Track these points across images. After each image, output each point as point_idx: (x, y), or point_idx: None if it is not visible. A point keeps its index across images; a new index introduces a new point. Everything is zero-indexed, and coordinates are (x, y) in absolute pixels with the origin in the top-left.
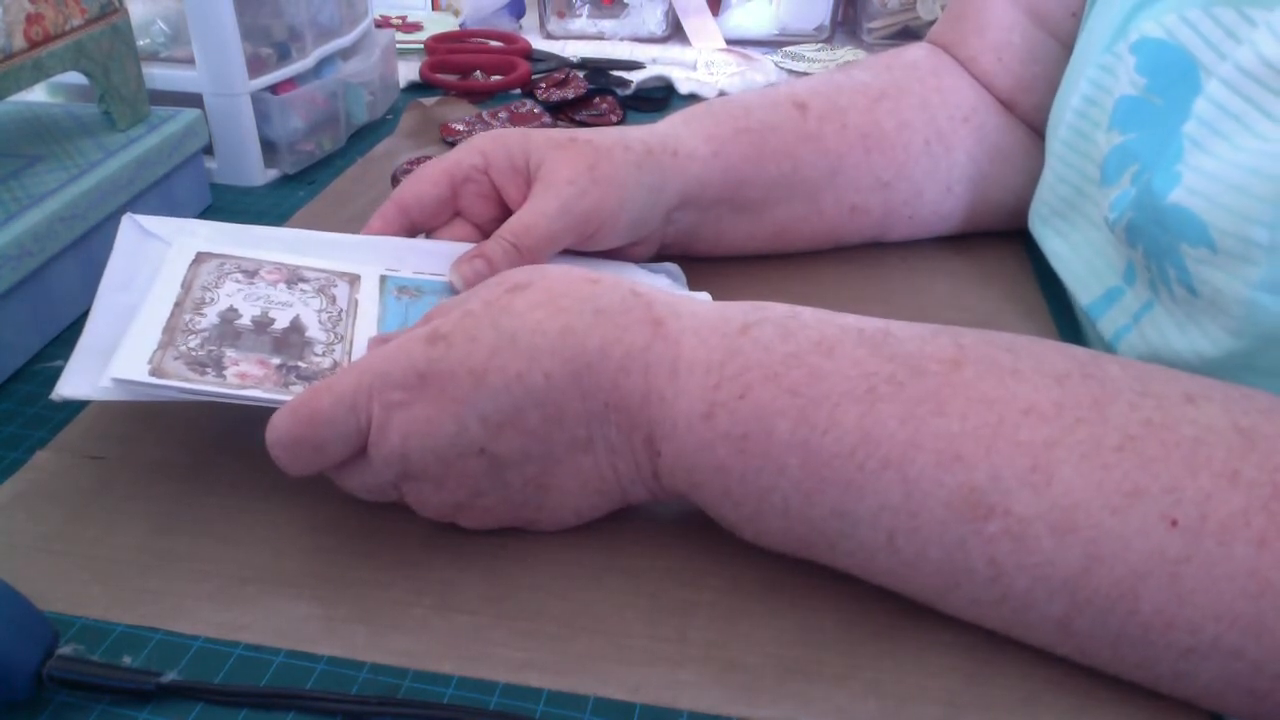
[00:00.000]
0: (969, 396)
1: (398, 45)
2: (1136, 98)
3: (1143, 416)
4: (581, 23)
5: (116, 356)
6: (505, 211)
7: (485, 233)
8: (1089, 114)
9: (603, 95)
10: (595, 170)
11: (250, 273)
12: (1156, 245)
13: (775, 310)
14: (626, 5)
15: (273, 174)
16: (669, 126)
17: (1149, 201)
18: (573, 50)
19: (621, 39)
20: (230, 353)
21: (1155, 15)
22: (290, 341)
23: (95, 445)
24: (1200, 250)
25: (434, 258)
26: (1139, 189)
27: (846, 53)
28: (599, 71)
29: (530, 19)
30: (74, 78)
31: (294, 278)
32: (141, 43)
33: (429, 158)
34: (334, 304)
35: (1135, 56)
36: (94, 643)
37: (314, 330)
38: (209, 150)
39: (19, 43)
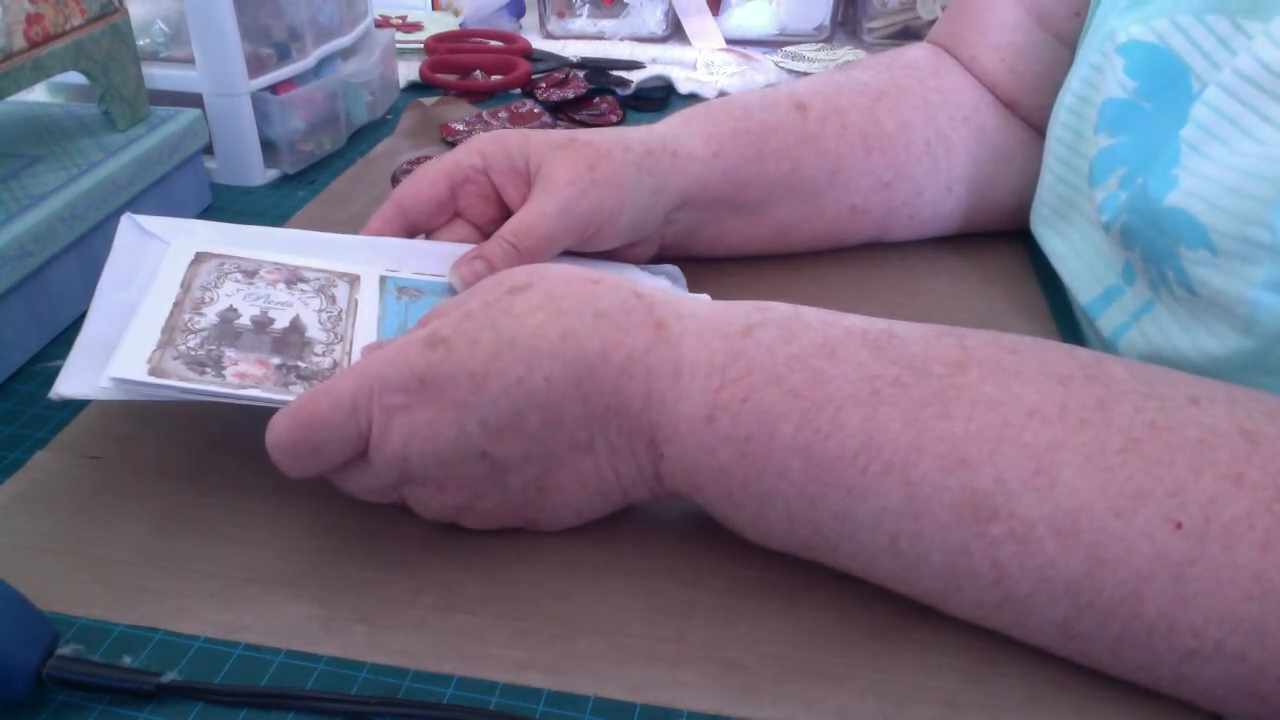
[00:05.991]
0: (973, 399)
1: (398, 45)
2: (1125, 100)
3: (1147, 418)
4: (581, 22)
5: (115, 356)
6: (505, 212)
7: (485, 233)
8: (1082, 113)
9: (603, 95)
10: (595, 171)
11: (250, 273)
12: (1153, 248)
13: (778, 311)
14: (626, 5)
15: (273, 174)
16: (669, 127)
17: (1144, 205)
18: (573, 50)
19: (621, 39)
20: (229, 352)
21: (1144, 19)
22: (290, 341)
23: (95, 445)
24: (1199, 252)
25: (434, 258)
26: (1131, 193)
27: (846, 53)
28: (599, 71)
29: (530, 19)
30: (74, 78)
31: (294, 278)
32: (141, 43)
33: (429, 158)
34: (334, 304)
35: (1123, 59)
36: (94, 643)
37: (313, 330)
38: (209, 150)
39: (19, 43)
